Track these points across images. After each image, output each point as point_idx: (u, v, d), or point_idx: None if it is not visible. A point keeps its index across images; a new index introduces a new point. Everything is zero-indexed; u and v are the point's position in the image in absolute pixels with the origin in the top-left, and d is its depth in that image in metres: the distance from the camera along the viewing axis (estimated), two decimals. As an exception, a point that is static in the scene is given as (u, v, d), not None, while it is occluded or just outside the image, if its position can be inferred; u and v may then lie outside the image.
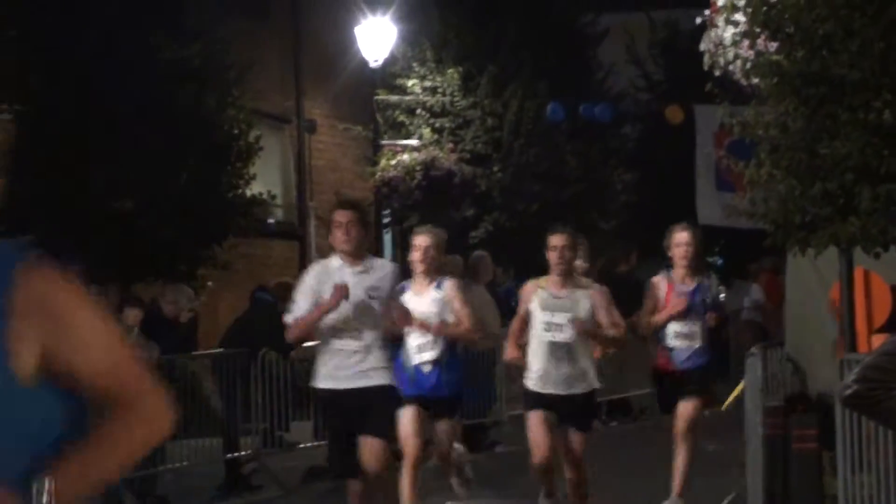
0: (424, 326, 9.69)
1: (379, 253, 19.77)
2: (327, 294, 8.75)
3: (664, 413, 10.92)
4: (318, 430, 13.26)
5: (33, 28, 13.39)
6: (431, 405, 9.89)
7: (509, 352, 10.00)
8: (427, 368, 9.82)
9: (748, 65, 9.25)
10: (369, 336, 8.85)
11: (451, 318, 9.78)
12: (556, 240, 9.66)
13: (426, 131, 20.42)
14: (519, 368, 9.88)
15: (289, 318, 9.00)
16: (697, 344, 10.49)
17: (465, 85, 20.61)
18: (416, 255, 9.92)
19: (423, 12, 20.65)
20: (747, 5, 8.96)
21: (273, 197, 15.58)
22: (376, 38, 19.63)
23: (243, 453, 13.28)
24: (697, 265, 10.62)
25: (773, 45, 9.00)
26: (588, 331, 9.65)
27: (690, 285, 10.49)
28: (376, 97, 20.46)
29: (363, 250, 9.05)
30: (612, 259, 20.36)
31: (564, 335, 9.53)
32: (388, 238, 22.11)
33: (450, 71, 20.55)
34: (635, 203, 22.41)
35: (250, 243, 16.80)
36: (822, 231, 8.75)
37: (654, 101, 24.32)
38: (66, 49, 13.36)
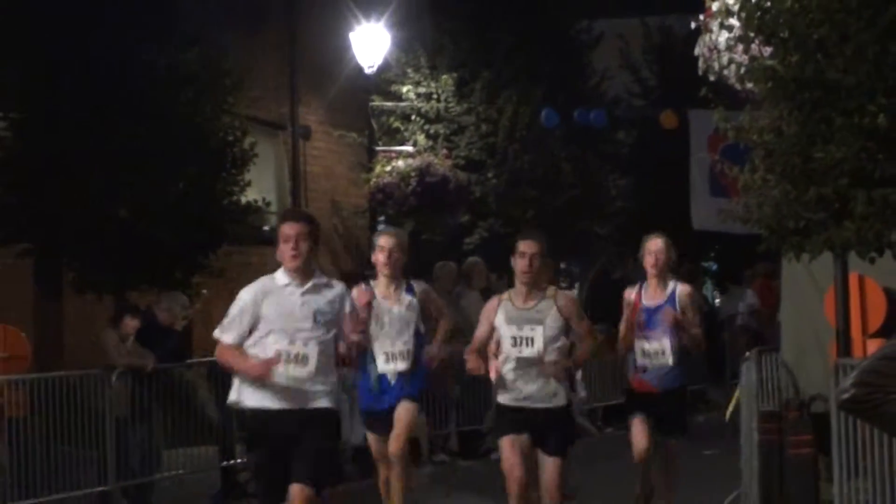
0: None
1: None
2: (269, 313, 7.86)
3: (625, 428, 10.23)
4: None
5: (33, 36, 13.39)
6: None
7: (470, 361, 8.92)
8: (393, 379, 9.66)
9: (742, 69, 9.25)
10: (314, 363, 7.85)
11: (422, 325, 9.69)
12: (525, 246, 9.04)
13: (421, 137, 20.39)
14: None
15: (218, 335, 8.03)
16: (669, 361, 9.90)
17: (460, 91, 20.59)
18: (380, 257, 9.72)
19: (418, 19, 20.63)
20: (741, 10, 8.96)
21: (268, 204, 15.53)
22: (371, 45, 19.62)
23: (239, 461, 13.25)
24: (667, 274, 10.11)
25: (768, 50, 8.99)
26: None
27: (660, 299, 10.02)
28: (371, 103, 20.44)
29: (311, 267, 8.00)
30: (607, 265, 20.41)
31: (532, 349, 8.87)
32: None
33: (444, 77, 20.53)
34: (630, 208, 22.38)
35: (245, 251, 16.75)
36: (817, 236, 8.73)
37: (648, 106, 24.29)
38: (64, 57, 13.36)
